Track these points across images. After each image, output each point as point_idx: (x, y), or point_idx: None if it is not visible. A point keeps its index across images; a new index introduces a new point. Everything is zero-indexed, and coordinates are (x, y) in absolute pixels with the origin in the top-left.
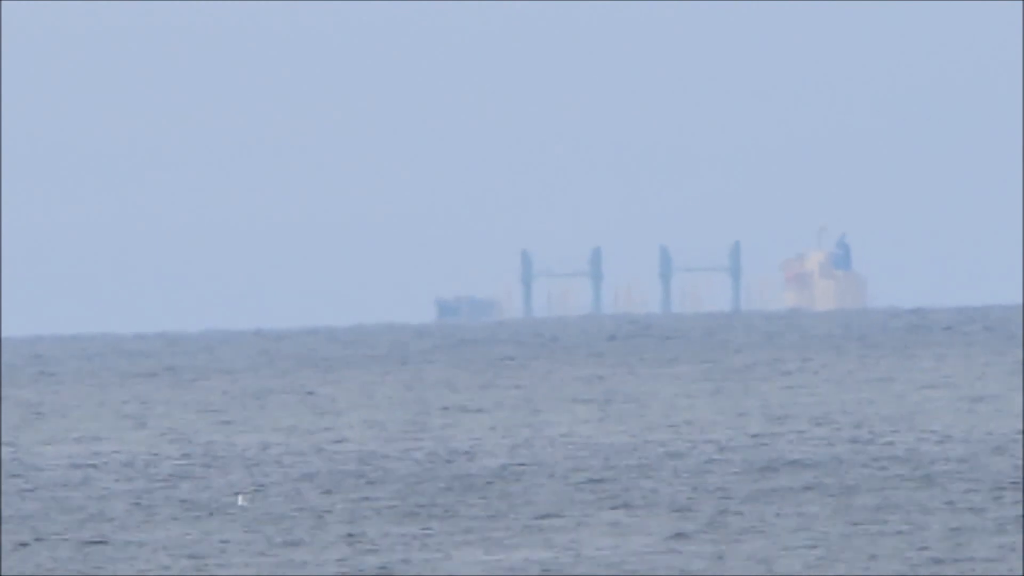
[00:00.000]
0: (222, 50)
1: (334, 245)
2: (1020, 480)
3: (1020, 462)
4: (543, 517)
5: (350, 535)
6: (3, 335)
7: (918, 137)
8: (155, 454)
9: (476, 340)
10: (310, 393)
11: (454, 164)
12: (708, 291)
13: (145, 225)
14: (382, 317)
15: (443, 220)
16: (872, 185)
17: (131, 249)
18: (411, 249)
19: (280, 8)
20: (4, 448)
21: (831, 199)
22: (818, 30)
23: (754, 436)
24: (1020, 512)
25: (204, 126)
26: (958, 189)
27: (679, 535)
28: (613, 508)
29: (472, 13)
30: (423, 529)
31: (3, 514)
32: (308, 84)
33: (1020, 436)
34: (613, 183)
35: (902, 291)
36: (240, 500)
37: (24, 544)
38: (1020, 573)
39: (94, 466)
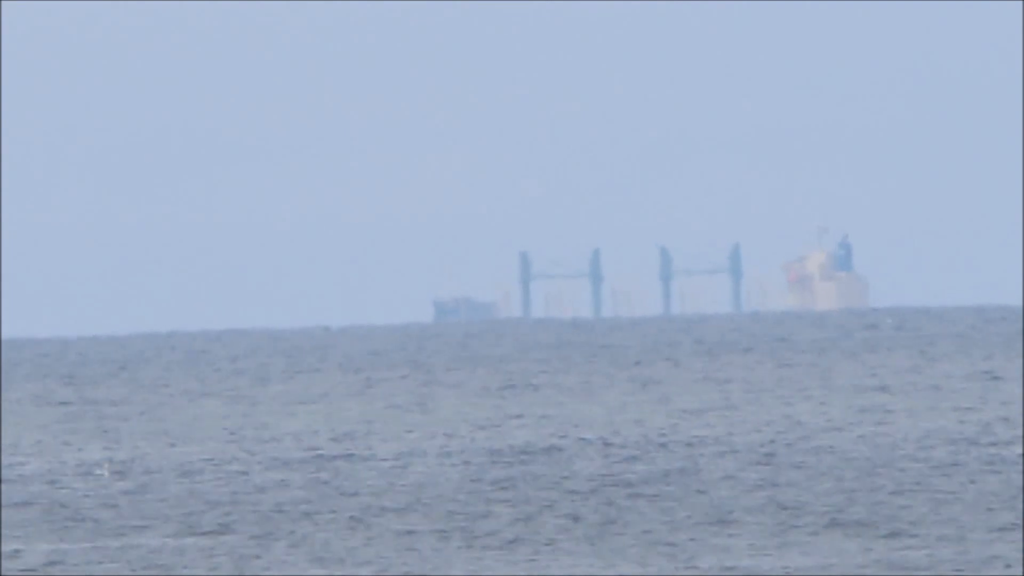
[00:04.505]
0: (224, 52)
1: (333, 246)
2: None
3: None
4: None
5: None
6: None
7: (918, 138)
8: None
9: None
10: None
11: (453, 166)
12: (708, 293)
13: (142, 227)
14: (380, 318)
15: (442, 222)
16: (873, 186)
17: (124, 250)
18: (410, 250)
19: (283, 10)
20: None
21: (832, 200)
22: (818, 33)
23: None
24: (1019, 515)
25: (206, 129)
26: (959, 189)
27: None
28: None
29: (471, 19)
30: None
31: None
32: (308, 88)
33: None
34: (613, 184)
35: (904, 291)
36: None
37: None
38: (1020, 573)
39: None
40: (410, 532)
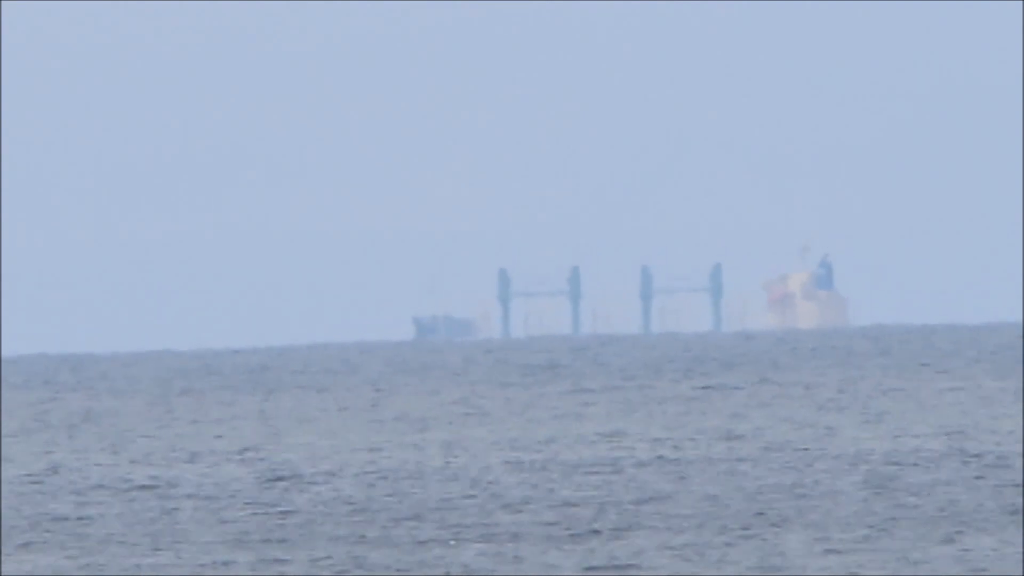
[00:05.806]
0: (204, 60)
1: (310, 262)
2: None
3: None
4: None
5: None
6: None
7: (901, 155)
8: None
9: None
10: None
11: (432, 182)
12: (688, 312)
13: (118, 243)
14: (359, 335)
15: (422, 238)
16: (855, 204)
17: (105, 267)
18: (389, 267)
19: (258, 28)
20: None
21: (813, 219)
22: (795, 48)
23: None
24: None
25: (174, 140)
26: (943, 207)
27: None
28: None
29: (449, 33)
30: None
31: None
32: (286, 100)
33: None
34: (592, 202)
35: (884, 311)
36: None
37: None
38: (1021, 573)
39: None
40: (428, 540)
